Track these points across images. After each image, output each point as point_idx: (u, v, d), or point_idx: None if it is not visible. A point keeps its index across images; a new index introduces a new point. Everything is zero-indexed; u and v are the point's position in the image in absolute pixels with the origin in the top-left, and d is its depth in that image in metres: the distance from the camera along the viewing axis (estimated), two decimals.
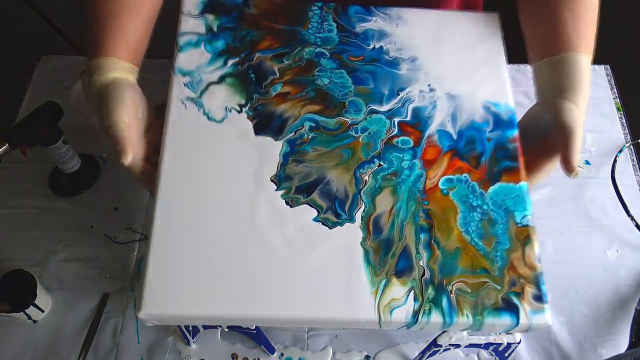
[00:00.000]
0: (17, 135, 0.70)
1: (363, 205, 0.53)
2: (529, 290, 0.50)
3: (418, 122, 0.57)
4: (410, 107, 0.58)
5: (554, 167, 0.55)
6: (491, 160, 0.56)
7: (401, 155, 0.55)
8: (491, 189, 0.54)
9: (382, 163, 0.55)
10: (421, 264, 0.50)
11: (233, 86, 0.59)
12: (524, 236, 0.52)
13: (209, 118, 0.57)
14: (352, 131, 0.56)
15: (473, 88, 0.60)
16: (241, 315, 0.48)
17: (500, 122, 0.58)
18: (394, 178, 0.54)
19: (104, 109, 0.53)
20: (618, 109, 0.89)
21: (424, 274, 0.50)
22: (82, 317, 0.73)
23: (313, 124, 0.57)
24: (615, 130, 0.87)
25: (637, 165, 0.83)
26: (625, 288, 0.73)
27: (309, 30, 0.63)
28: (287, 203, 0.53)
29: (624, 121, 0.88)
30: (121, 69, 0.56)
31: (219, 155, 0.55)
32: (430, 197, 0.53)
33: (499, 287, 0.50)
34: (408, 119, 0.58)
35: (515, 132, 0.57)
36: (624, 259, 0.75)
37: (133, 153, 0.53)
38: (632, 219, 0.77)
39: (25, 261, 0.77)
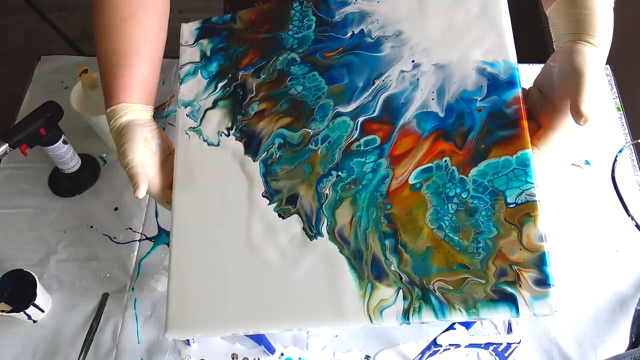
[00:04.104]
0: (17, 135, 0.70)
1: (326, 220, 0.52)
2: (528, 275, 0.45)
3: (387, 115, 0.53)
4: (382, 97, 0.54)
5: (569, 121, 0.49)
6: (480, 134, 0.50)
7: (363, 160, 0.52)
8: (474, 170, 0.49)
9: (340, 173, 0.53)
10: (393, 269, 0.49)
11: (225, 108, 0.60)
12: (521, 215, 0.46)
13: (208, 144, 0.59)
14: (312, 144, 0.55)
15: (465, 50, 0.53)
16: (250, 330, 0.52)
17: (496, 84, 0.51)
18: (353, 187, 0.52)
19: (120, 150, 0.59)
20: (618, 109, 0.89)
21: (401, 277, 0.48)
22: (82, 317, 0.73)
23: (282, 141, 0.56)
24: (615, 130, 0.87)
25: (637, 165, 0.83)
26: (625, 288, 0.72)
27: (289, 33, 0.60)
28: (279, 215, 0.54)
29: (624, 121, 0.88)
30: (132, 111, 0.60)
31: (219, 179, 0.57)
32: (394, 199, 0.50)
33: (482, 281, 0.46)
34: (375, 114, 0.54)
35: (516, 92, 0.50)
36: (624, 259, 0.75)
37: (153, 184, 0.59)
38: (632, 219, 0.77)
39: (25, 261, 0.77)
